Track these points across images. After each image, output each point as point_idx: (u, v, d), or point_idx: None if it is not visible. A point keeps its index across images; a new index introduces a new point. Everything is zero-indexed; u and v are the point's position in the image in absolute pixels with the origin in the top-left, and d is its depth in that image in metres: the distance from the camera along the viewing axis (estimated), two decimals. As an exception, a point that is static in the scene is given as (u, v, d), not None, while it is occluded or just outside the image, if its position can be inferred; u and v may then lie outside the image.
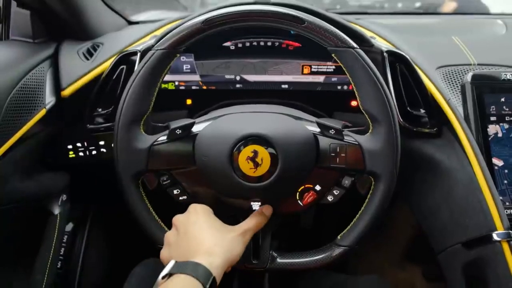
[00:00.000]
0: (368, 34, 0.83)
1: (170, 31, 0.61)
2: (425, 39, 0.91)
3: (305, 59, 0.83)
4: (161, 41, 0.59)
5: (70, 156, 0.84)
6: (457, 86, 0.76)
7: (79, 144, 0.83)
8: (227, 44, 0.83)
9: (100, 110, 0.79)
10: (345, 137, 0.60)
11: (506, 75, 0.72)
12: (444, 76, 0.78)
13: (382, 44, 0.81)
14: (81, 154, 0.84)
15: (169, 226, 0.60)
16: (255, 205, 0.63)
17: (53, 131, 0.81)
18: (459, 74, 0.78)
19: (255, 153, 0.58)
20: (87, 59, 0.84)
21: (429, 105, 0.75)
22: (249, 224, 0.59)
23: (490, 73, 0.74)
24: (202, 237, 0.54)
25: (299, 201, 0.63)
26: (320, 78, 0.85)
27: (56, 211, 0.87)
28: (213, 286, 0.48)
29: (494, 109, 0.71)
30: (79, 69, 0.81)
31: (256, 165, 0.58)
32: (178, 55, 0.60)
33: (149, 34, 0.90)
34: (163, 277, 0.49)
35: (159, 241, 0.59)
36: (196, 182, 0.63)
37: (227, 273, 0.56)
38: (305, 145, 0.60)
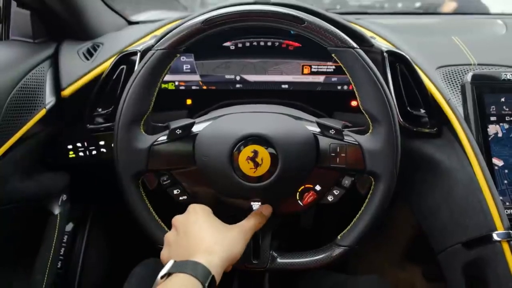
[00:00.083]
0: (368, 34, 0.83)
1: (170, 31, 0.61)
2: (425, 39, 0.91)
3: (305, 59, 0.83)
4: (161, 41, 0.59)
5: (70, 156, 0.84)
6: (457, 86, 0.76)
7: (79, 144, 0.83)
8: (227, 44, 0.83)
9: (100, 110, 0.79)
10: (345, 137, 0.60)
11: (506, 75, 0.72)
12: (444, 76, 0.78)
13: (382, 44, 0.81)
14: (81, 154, 0.84)
15: (169, 226, 0.60)
16: (255, 205, 0.63)
17: (53, 131, 0.81)
18: (459, 74, 0.78)
19: (255, 153, 0.58)
20: (87, 59, 0.84)
21: (429, 105, 0.75)
22: (249, 223, 0.59)
23: (490, 73, 0.74)
24: (202, 237, 0.54)
25: (299, 201, 0.63)
26: (320, 78, 0.85)
27: (56, 211, 0.87)
28: (212, 284, 0.48)
29: (494, 109, 0.71)
30: (79, 69, 0.81)
31: (256, 165, 0.58)
32: (178, 55, 0.60)
33: (149, 34, 0.90)
34: (162, 277, 0.49)
35: (159, 241, 0.59)
36: (196, 182, 0.63)
37: (227, 273, 0.56)
38: (305, 145, 0.60)
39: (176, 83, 0.86)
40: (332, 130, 0.60)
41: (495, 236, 0.63)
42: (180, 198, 0.63)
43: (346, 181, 0.61)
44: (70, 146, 0.83)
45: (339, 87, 0.85)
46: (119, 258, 1.09)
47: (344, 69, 0.58)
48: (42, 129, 0.77)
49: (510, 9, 1.21)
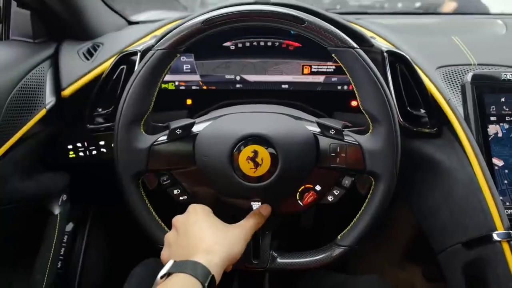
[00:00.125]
0: (368, 34, 0.83)
1: (170, 31, 0.61)
2: (425, 39, 0.91)
3: (305, 59, 0.83)
4: (161, 41, 0.59)
5: (70, 156, 0.84)
6: (457, 86, 0.76)
7: (79, 144, 0.83)
8: (227, 44, 0.83)
9: (100, 110, 0.79)
10: (345, 137, 0.60)
11: (506, 75, 0.72)
12: (444, 76, 0.78)
13: (382, 44, 0.81)
14: (81, 154, 0.84)
15: (169, 226, 0.60)
16: (255, 205, 0.63)
17: (53, 131, 0.81)
18: (459, 74, 0.78)
19: (255, 153, 0.58)
20: (87, 59, 0.84)
21: (429, 105, 0.75)
22: (248, 222, 0.59)
23: (490, 73, 0.74)
24: (202, 236, 0.54)
25: (299, 201, 0.63)
26: (320, 78, 0.85)
27: (56, 211, 0.87)
28: (212, 284, 0.48)
29: (494, 109, 0.71)
30: (79, 69, 0.81)
31: (256, 165, 0.58)
32: (178, 55, 0.60)
33: (149, 34, 0.90)
34: (162, 277, 0.49)
35: (159, 241, 0.59)
36: (196, 182, 0.63)
37: (227, 272, 0.56)
38: (305, 145, 0.60)
39: (176, 83, 0.86)
40: (332, 130, 0.60)
41: (495, 236, 0.63)
42: (180, 198, 0.63)
43: (346, 181, 0.61)
44: (70, 146, 0.83)
45: (339, 87, 0.85)
46: (119, 258, 1.09)
47: (344, 69, 0.58)
48: (42, 129, 0.77)
49: (510, 9, 1.21)
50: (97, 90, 0.78)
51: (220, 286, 0.51)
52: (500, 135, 0.70)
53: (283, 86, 0.86)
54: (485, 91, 0.72)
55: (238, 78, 0.85)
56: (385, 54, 0.76)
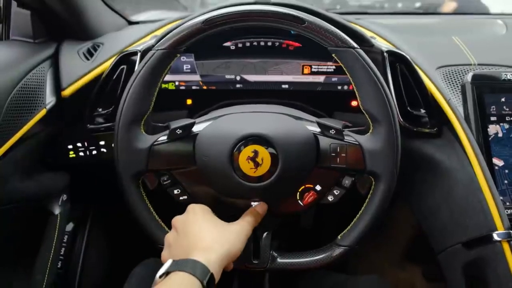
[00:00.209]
0: (368, 34, 0.83)
1: (171, 31, 0.61)
2: (425, 39, 0.91)
3: (305, 59, 0.83)
4: (161, 41, 0.59)
5: (70, 156, 0.84)
6: (457, 86, 0.76)
7: (79, 144, 0.83)
8: (227, 44, 0.83)
9: (100, 110, 0.79)
10: (346, 137, 0.60)
11: (507, 75, 0.72)
12: (444, 76, 0.78)
13: (382, 44, 0.81)
14: (81, 154, 0.84)
15: (169, 226, 0.60)
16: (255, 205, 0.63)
17: (53, 131, 0.81)
18: (459, 74, 0.78)
19: (256, 153, 0.58)
20: (88, 59, 0.84)
21: (429, 105, 0.75)
22: (246, 220, 0.59)
23: (490, 73, 0.74)
24: (200, 235, 0.54)
25: (299, 201, 0.63)
26: (320, 78, 0.85)
27: (57, 211, 0.87)
28: (211, 282, 0.48)
29: (494, 109, 0.71)
30: (80, 69, 0.81)
31: (257, 165, 0.58)
32: (179, 55, 0.60)
33: (149, 34, 0.90)
34: (161, 276, 0.49)
35: (159, 241, 0.59)
36: (197, 182, 0.63)
37: (228, 272, 0.56)
38: (306, 145, 0.60)
39: (177, 83, 0.86)
40: (332, 130, 0.60)
41: (495, 236, 0.63)
42: (180, 198, 0.63)
43: (346, 181, 0.61)
44: (70, 146, 0.83)
45: (339, 87, 0.85)
46: (119, 258, 1.09)
47: (344, 69, 0.58)
48: (42, 129, 0.77)
49: (510, 9, 1.21)
50: (97, 90, 0.78)
51: (220, 286, 0.50)
52: (500, 135, 0.70)
53: (283, 86, 0.86)
54: (485, 91, 0.72)
55: (238, 78, 0.85)
56: (385, 54, 0.77)
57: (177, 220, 0.58)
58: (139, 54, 0.77)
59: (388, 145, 0.57)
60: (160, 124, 0.66)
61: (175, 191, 0.63)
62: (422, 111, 0.75)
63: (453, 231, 0.71)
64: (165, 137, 0.61)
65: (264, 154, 0.58)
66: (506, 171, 0.69)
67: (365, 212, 0.59)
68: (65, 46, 0.87)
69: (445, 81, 0.77)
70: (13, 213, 0.76)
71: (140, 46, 0.80)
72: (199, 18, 0.57)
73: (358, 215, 0.60)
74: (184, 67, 0.84)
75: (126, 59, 0.79)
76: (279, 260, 0.62)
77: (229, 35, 0.82)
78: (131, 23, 1.06)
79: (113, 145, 0.60)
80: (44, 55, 0.81)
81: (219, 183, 0.61)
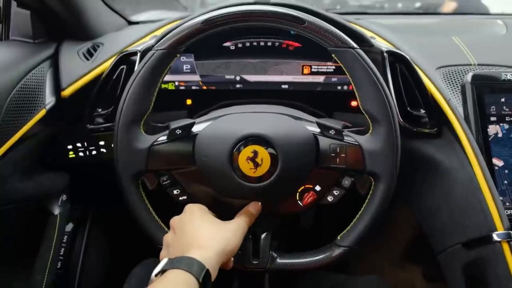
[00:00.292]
0: (368, 34, 0.83)
1: (170, 31, 0.61)
2: (425, 39, 0.91)
3: (305, 59, 0.83)
4: (161, 41, 0.59)
5: (70, 156, 0.84)
6: (457, 86, 0.76)
7: (79, 144, 0.83)
8: (227, 44, 0.83)
9: (100, 110, 0.79)
10: (345, 138, 0.60)
11: (506, 75, 0.72)
12: (444, 76, 0.78)
13: (382, 44, 0.81)
14: (81, 154, 0.84)
15: (169, 226, 0.59)
16: (255, 206, 0.63)
17: (53, 131, 0.81)
18: (459, 74, 0.78)
19: (255, 153, 0.58)
20: (87, 59, 0.84)
21: (429, 105, 0.75)
22: (241, 217, 0.58)
23: (490, 73, 0.74)
24: (197, 233, 0.54)
25: (299, 202, 0.63)
26: (320, 78, 0.85)
27: (56, 211, 0.87)
28: (207, 278, 0.48)
29: (494, 109, 0.71)
30: (79, 69, 0.81)
31: (256, 165, 0.58)
32: (178, 55, 0.59)
33: (149, 34, 0.90)
34: (156, 274, 0.49)
35: (159, 241, 0.59)
36: (196, 182, 0.63)
37: (227, 273, 0.56)
38: (305, 145, 0.60)
39: (176, 83, 0.86)
40: (332, 130, 0.60)
41: (495, 237, 0.63)
42: (180, 198, 0.63)
43: (346, 182, 0.61)
44: (70, 146, 0.83)
45: (339, 87, 0.85)
46: (119, 258, 1.09)
47: (344, 69, 0.58)
48: (42, 129, 0.76)
49: (510, 9, 1.21)
50: (97, 90, 0.78)
51: (220, 286, 0.50)
52: (500, 135, 0.70)
53: (283, 86, 0.86)
54: (485, 91, 0.72)
55: (238, 78, 0.85)
56: (385, 54, 0.76)
57: (174, 220, 0.58)
58: (139, 54, 0.77)
59: (388, 145, 0.57)
60: (159, 124, 0.66)
61: (175, 191, 0.63)
62: (422, 111, 0.75)
63: (453, 231, 0.71)
64: (164, 137, 0.61)
65: (264, 154, 0.58)
66: (506, 171, 0.69)
67: (365, 212, 0.59)
68: (64, 46, 0.87)
69: (445, 81, 0.77)
70: (12, 213, 0.76)
71: (140, 46, 0.80)
72: (199, 18, 0.57)
73: (357, 216, 0.60)
74: (184, 67, 0.84)
75: (126, 59, 0.79)
76: (278, 260, 0.62)
77: (229, 35, 0.82)
78: (131, 23, 1.06)
79: (112, 145, 0.60)
80: (43, 55, 0.81)
81: (218, 184, 0.61)
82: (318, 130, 0.61)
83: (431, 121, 0.75)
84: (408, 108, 0.75)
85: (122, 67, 0.79)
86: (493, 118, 0.71)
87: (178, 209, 0.61)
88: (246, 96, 0.84)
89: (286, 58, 0.83)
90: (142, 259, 0.80)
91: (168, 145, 0.61)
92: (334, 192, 0.62)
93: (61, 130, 0.83)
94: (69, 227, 1.00)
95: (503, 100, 0.71)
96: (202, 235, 0.53)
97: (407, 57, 0.76)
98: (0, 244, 0.79)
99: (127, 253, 1.01)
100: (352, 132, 0.61)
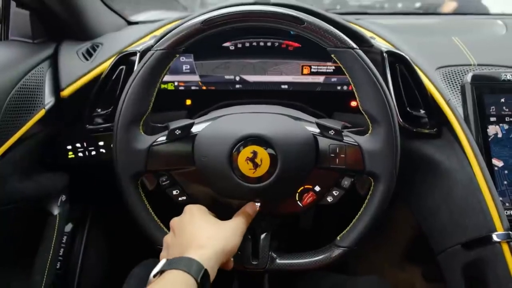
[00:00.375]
0: (367, 34, 0.83)
1: (170, 31, 0.61)
2: (425, 39, 0.91)
3: (305, 60, 0.83)
4: (160, 41, 0.59)
5: (70, 156, 0.84)
6: (457, 87, 0.76)
7: (78, 145, 0.83)
8: (226, 44, 0.83)
9: (99, 110, 0.79)
10: (345, 138, 0.60)
11: (506, 75, 0.72)
12: (444, 77, 0.78)
13: (381, 45, 0.81)
14: (80, 154, 0.84)
15: (168, 227, 0.59)
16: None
17: (52, 131, 0.81)
18: (459, 74, 0.77)
19: (255, 153, 0.58)
20: (87, 59, 0.84)
21: (429, 105, 0.75)
22: (239, 217, 0.58)
23: (490, 74, 0.74)
24: (196, 234, 0.54)
25: (298, 202, 0.63)
26: (320, 79, 0.85)
27: (55, 211, 0.87)
28: (205, 278, 0.48)
29: (494, 110, 0.71)
30: (79, 69, 0.81)
31: (256, 165, 0.58)
32: (178, 55, 0.59)
33: (148, 35, 0.90)
34: (154, 275, 0.49)
35: (158, 241, 0.59)
36: (196, 182, 0.63)
37: (227, 273, 0.56)
38: (305, 145, 0.60)
39: (176, 84, 0.86)
40: (332, 130, 0.60)
41: (495, 237, 0.62)
42: (180, 198, 0.63)
43: (346, 182, 0.61)
44: (69, 147, 0.83)
45: (338, 88, 0.85)
46: (118, 259, 1.09)
47: (343, 69, 0.58)
48: (41, 130, 0.76)
49: (510, 10, 1.21)
50: (96, 90, 0.78)
51: (219, 287, 0.50)
52: (500, 135, 0.70)
53: (282, 86, 0.86)
54: (485, 91, 0.72)
55: (237, 78, 0.85)
56: (384, 54, 0.76)
57: (174, 222, 0.58)
58: (138, 54, 0.77)
59: (387, 145, 0.57)
60: (159, 125, 0.66)
61: (174, 192, 0.63)
62: (422, 111, 0.75)
63: (452, 232, 0.71)
64: (164, 138, 0.61)
65: (263, 154, 0.58)
66: (506, 171, 0.69)
67: (364, 213, 0.59)
68: (64, 46, 0.86)
69: (445, 82, 0.77)
70: (12, 214, 0.76)
71: (139, 46, 0.80)
72: (198, 19, 0.57)
73: (357, 216, 0.60)
74: (183, 68, 0.84)
75: (125, 59, 0.79)
76: (278, 261, 0.62)
77: (228, 36, 0.82)
78: (130, 23, 1.06)
79: (112, 145, 0.60)
80: (43, 56, 0.81)
81: (218, 184, 0.61)
82: (317, 130, 0.61)
83: (431, 122, 0.74)
84: (408, 109, 0.75)
85: (121, 67, 0.78)
86: (493, 119, 0.71)
87: (177, 209, 0.60)
88: (246, 96, 0.84)
89: (286, 58, 0.83)
90: (142, 260, 0.80)
91: (167, 145, 0.60)
92: (334, 192, 0.62)
93: (61, 130, 0.82)
94: (68, 227, 0.99)
95: (503, 100, 0.71)
96: (202, 235, 0.53)
97: (407, 57, 0.76)
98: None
99: (126, 253, 1.01)
100: (352, 133, 0.61)
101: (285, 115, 0.63)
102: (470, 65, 0.80)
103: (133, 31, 0.96)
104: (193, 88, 0.86)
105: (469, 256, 0.67)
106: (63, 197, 0.89)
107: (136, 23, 1.07)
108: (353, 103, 0.84)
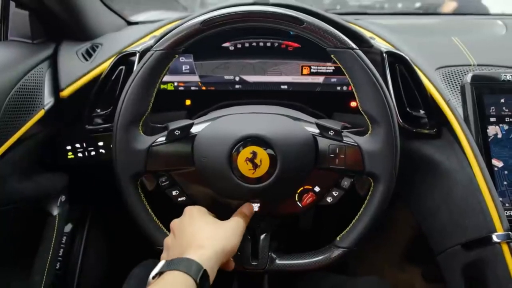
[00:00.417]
0: (367, 34, 0.83)
1: (169, 31, 0.61)
2: (425, 39, 0.91)
3: (305, 60, 0.83)
4: (160, 41, 0.59)
5: (69, 157, 0.84)
6: (457, 87, 0.76)
7: (78, 145, 0.83)
8: (226, 44, 0.83)
9: (99, 110, 0.79)
10: (344, 138, 0.60)
11: (506, 75, 0.72)
12: (443, 77, 0.78)
13: (381, 45, 0.81)
14: (80, 155, 0.83)
15: (168, 227, 0.59)
16: (254, 207, 0.63)
17: (51, 132, 0.81)
18: (459, 74, 0.77)
19: (254, 154, 0.58)
20: (86, 59, 0.84)
21: (429, 106, 0.75)
22: (238, 217, 0.58)
23: (490, 74, 0.74)
24: (196, 234, 0.54)
25: (298, 202, 0.63)
26: (320, 79, 0.85)
27: (55, 212, 0.87)
28: (205, 279, 0.48)
29: (493, 110, 0.71)
30: (78, 69, 0.81)
31: (255, 166, 0.58)
32: (177, 55, 0.59)
33: (148, 35, 0.90)
34: (154, 277, 0.49)
35: (158, 242, 0.59)
36: (195, 183, 0.63)
37: (227, 273, 0.56)
38: (304, 146, 0.60)
39: (175, 84, 0.86)
40: (331, 131, 0.60)
41: (495, 238, 0.62)
42: (179, 199, 0.63)
43: (345, 182, 0.61)
44: (69, 147, 0.83)
45: (338, 88, 0.85)
46: (118, 259, 1.09)
47: (343, 70, 0.58)
48: (41, 130, 0.76)
49: (510, 10, 1.21)
50: (96, 90, 0.78)
51: (219, 287, 0.50)
52: (499, 136, 0.70)
53: (282, 86, 0.86)
54: (485, 92, 0.71)
55: (237, 78, 0.85)
56: (384, 55, 0.76)
57: (174, 223, 0.58)
58: (137, 54, 0.77)
59: (387, 146, 0.57)
60: (158, 125, 0.66)
61: (174, 192, 0.63)
62: (422, 112, 0.75)
63: (452, 232, 0.71)
64: (163, 138, 0.61)
65: (263, 155, 0.58)
66: (506, 172, 0.69)
67: (364, 213, 0.59)
68: (63, 46, 0.86)
69: (445, 82, 0.77)
70: (11, 214, 0.76)
71: (139, 46, 0.80)
72: (198, 19, 0.57)
73: (357, 217, 0.60)
74: (183, 68, 0.84)
75: (125, 59, 0.79)
76: (277, 261, 0.62)
77: (228, 36, 0.82)
78: (130, 23, 1.06)
79: (111, 146, 0.60)
80: (42, 56, 0.81)
81: (217, 184, 0.61)
82: (317, 131, 0.61)
83: (431, 122, 0.74)
84: (408, 109, 0.75)
85: (121, 67, 0.78)
86: (492, 119, 0.71)
87: (177, 210, 0.60)
88: (245, 96, 0.84)
89: (286, 58, 0.83)
90: (141, 260, 0.80)
91: (167, 146, 0.60)
92: (333, 193, 0.62)
93: (60, 130, 0.82)
94: (68, 227, 0.99)
95: (502, 100, 0.71)
96: (201, 235, 0.53)
97: (407, 57, 0.76)
98: (-1, 245, 0.79)
99: (126, 254, 1.01)
100: (351, 133, 0.61)
101: (285, 116, 0.63)
102: (470, 65, 0.79)
103: (132, 31, 0.96)
104: (192, 88, 0.86)
105: (469, 256, 0.67)
106: (63, 198, 0.89)
107: (136, 23, 1.07)
108: (353, 104, 0.84)
